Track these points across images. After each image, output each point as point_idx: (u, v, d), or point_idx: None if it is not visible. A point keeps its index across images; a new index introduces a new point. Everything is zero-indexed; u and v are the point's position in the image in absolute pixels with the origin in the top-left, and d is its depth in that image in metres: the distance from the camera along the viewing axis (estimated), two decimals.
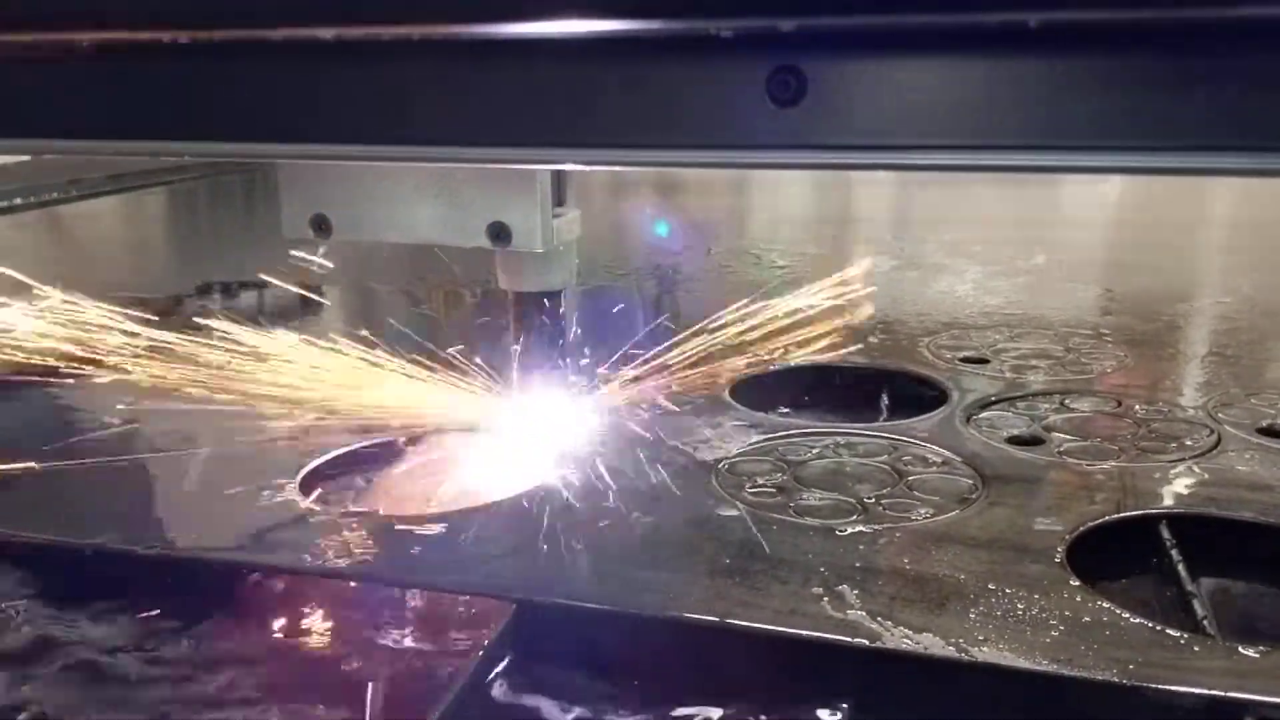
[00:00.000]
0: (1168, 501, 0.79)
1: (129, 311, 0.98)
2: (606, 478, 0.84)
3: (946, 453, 0.89)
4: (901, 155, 0.45)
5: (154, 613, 0.68)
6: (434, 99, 0.47)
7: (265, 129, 0.50)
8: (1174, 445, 0.91)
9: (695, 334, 0.99)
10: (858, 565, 0.69)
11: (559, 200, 0.80)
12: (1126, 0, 0.37)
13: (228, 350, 0.91)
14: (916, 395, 1.08)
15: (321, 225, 0.80)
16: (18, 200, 2.31)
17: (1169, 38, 0.39)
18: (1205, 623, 0.63)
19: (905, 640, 0.61)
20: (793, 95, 0.43)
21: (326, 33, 0.45)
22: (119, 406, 0.95)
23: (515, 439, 0.93)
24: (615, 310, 1.09)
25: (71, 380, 0.94)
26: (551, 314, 0.86)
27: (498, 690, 0.62)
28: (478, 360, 0.92)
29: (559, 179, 0.80)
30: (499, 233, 0.77)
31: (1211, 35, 0.38)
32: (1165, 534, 0.75)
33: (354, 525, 0.77)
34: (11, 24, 0.48)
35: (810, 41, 0.42)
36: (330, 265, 0.85)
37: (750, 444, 0.92)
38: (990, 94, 0.42)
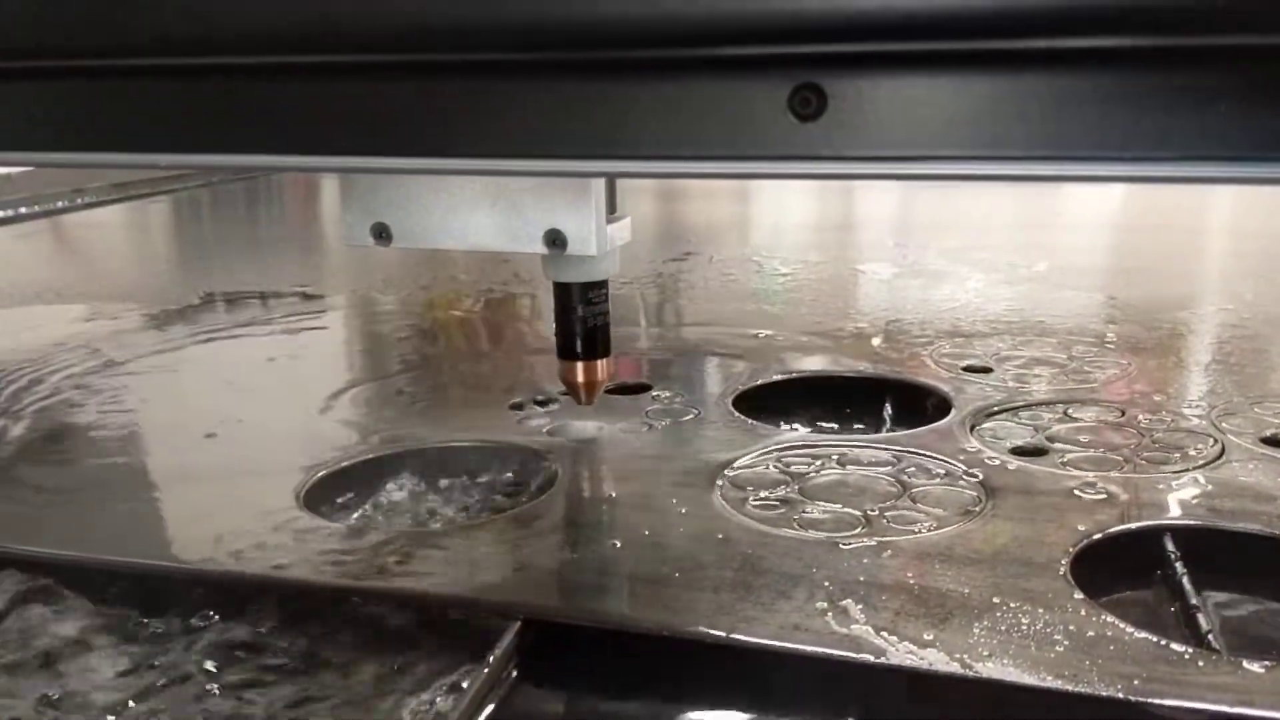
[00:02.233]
0: (1171, 513, 0.79)
1: None
2: (607, 488, 0.85)
3: (950, 463, 0.89)
4: (915, 165, 0.48)
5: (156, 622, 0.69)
6: (483, 115, 0.50)
7: (328, 144, 0.54)
8: (1177, 456, 0.91)
9: None
10: (862, 579, 0.69)
11: (611, 207, 0.82)
12: (1128, 29, 0.38)
13: None
14: (920, 405, 1.08)
15: (382, 233, 0.82)
16: (22, 209, 2.32)
17: (1166, 59, 0.41)
18: (1211, 637, 0.63)
19: (910, 656, 0.61)
20: (813, 111, 0.46)
21: (386, 57, 0.49)
22: None
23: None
24: None
25: None
26: (596, 304, 0.88)
27: (500, 710, 0.62)
28: None
29: (611, 186, 0.82)
30: (555, 239, 0.79)
31: (1206, 57, 0.41)
32: (1169, 546, 0.75)
33: (356, 537, 0.77)
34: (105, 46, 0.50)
35: (830, 61, 0.45)
36: None
37: (753, 454, 0.92)
38: (999, 108, 0.45)
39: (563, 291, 0.88)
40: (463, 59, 0.49)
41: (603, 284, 0.88)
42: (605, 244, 0.81)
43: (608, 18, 0.44)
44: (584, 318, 0.88)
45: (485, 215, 0.80)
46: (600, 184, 0.80)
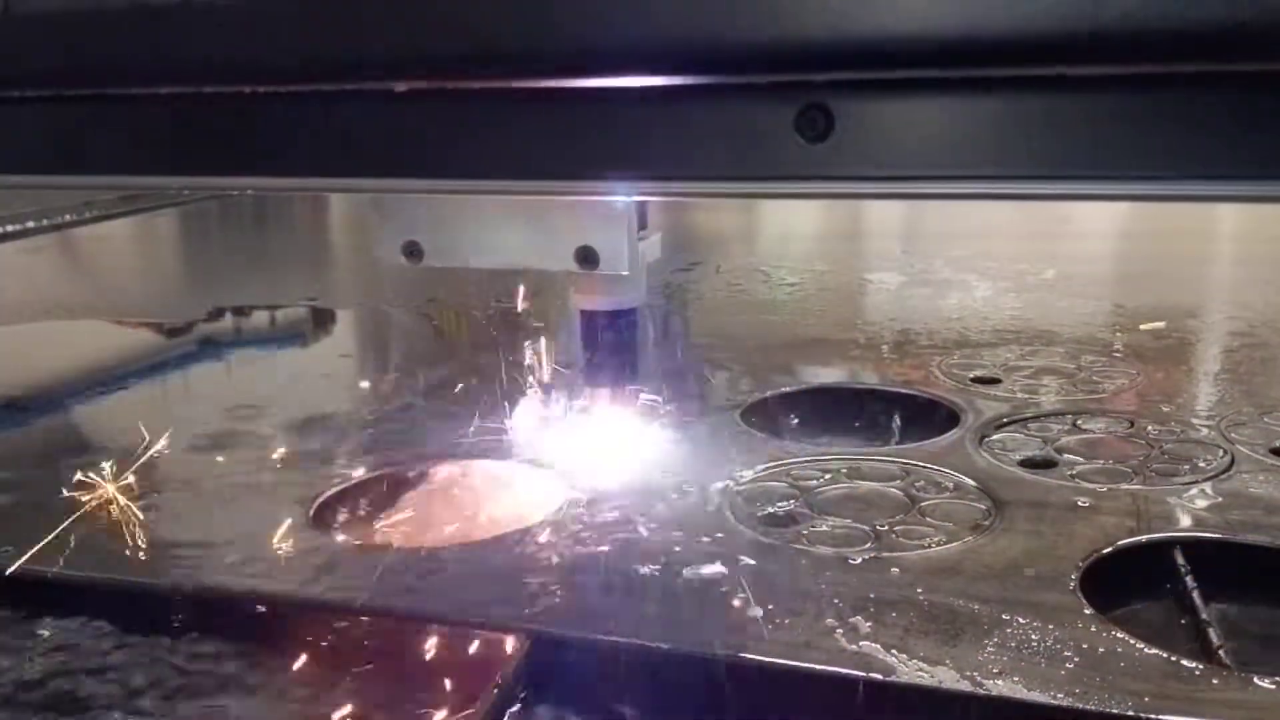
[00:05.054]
0: (1181, 526, 0.79)
1: None
2: (616, 504, 0.85)
3: (959, 477, 0.89)
4: (921, 185, 0.49)
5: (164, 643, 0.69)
6: (495, 139, 0.52)
7: (371, 166, 0.55)
8: (1187, 467, 0.91)
9: None
10: (871, 596, 0.69)
11: (642, 224, 0.81)
12: (1123, 57, 0.39)
13: None
14: (928, 417, 1.07)
15: (413, 251, 0.82)
16: (30, 224, 2.33)
17: (1163, 83, 0.42)
18: (1221, 652, 0.63)
19: (920, 674, 0.61)
20: (820, 132, 0.47)
21: (440, 84, 0.50)
22: None
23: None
24: None
25: None
26: (625, 331, 0.88)
27: None
28: None
29: (642, 204, 0.81)
30: (587, 256, 0.78)
31: (1203, 82, 0.41)
32: (1179, 560, 0.74)
33: (366, 555, 0.78)
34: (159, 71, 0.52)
35: (837, 83, 0.46)
36: None
37: (762, 469, 0.91)
38: (1000, 129, 0.46)
39: (589, 318, 0.88)
40: (483, 86, 0.50)
41: (632, 310, 0.88)
42: (637, 261, 0.80)
43: (620, 45, 0.45)
44: (610, 343, 0.88)
45: (517, 233, 0.79)
46: (631, 201, 0.79)
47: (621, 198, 0.77)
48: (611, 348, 0.88)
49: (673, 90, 0.47)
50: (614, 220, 0.78)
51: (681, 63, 0.46)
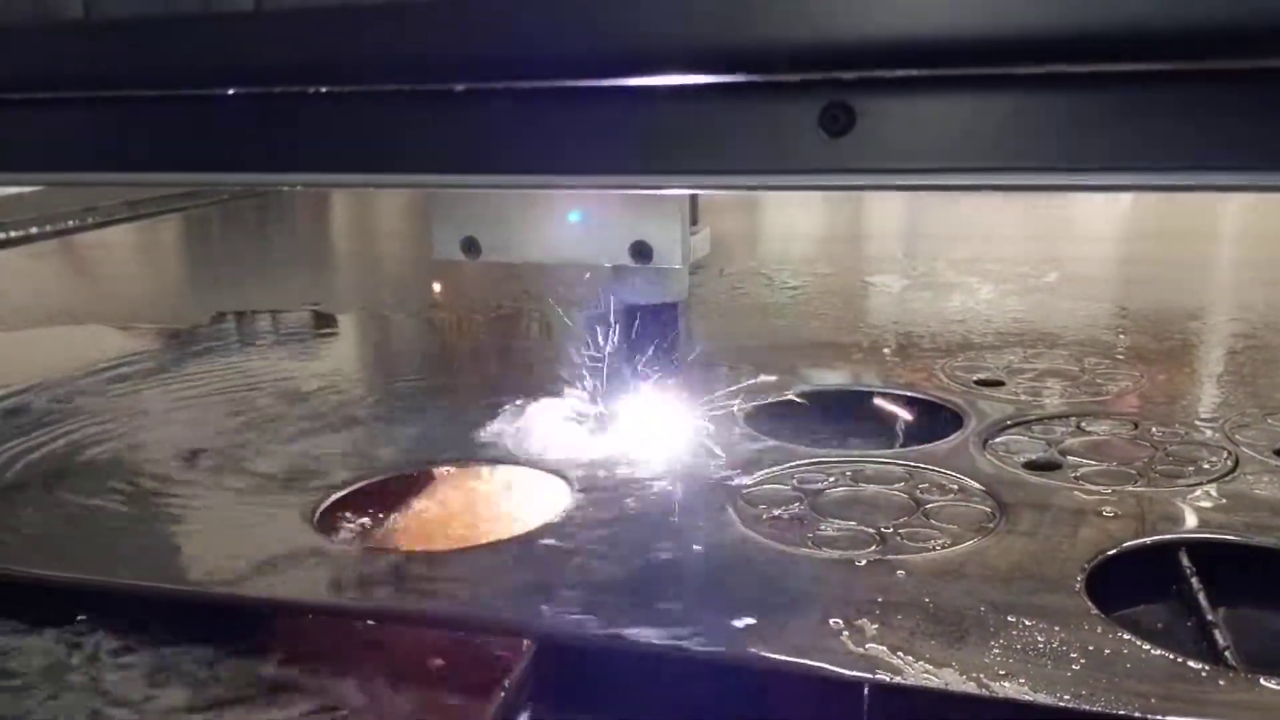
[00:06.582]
0: (1186, 527, 0.79)
1: None
2: (617, 507, 0.85)
3: (963, 479, 0.89)
4: (939, 177, 0.50)
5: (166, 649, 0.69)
6: (540, 135, 0.54)
7: (436, 162, 0.57)
8: (1191, 469, 0.91)
9: None
10: (877, 599, 0.69)
11: (693, 218, 0.82)
12: (1142, 54, 0.39)
13: None
14: (932, 419, 1.07)
15: (471, 247, 0.82)
16: (34, 230, 2.33)
17: (1169, 80, 0.43)
18: (1228, 654, 0.63)
19: (926, 676, 0.61)
20: (842, 127, 0.49)
21: (495, 84, 0.53)
22: None
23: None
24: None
25: None
26: (668, 325, 0.88)
27: None
28: None
29: (694, 199, 0.82)
30: (641, 250, 0.79)
31: (1220, 78, 0.42)
32: (1184, 562, 0.74)
33: (370, 560, 0.78)
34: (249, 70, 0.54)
35: (859, 80, 0.48)
36: None
37: (766, 471, 0.91)
38: (1016, 123, 0.47)
39: (630, 312, 0.88)
40: (526, 86, 0.51)
41: (675, 305, 0.89)
42: (689, 254, 0.81)
43: (656, 47, 0.46)
44: (653, 338, 0.88)
45: (572, 228, 0.80)
46: (685, 196, 0.80)
47: (656, 191, 0.78)
48: (650, 342, 0.88)
49: (704, 89, 0.49)
50: (668, 215, 0.78)
51: (712, 63, 0.47)
